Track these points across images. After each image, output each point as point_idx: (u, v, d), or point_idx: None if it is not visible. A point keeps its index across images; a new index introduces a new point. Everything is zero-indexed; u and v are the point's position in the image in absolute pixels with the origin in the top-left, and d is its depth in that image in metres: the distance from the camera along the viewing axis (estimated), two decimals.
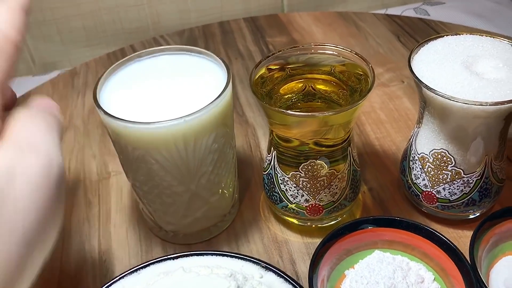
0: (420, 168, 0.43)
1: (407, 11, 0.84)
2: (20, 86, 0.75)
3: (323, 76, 0.42)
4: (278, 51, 0.43)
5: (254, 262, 0.33)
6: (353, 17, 0.79)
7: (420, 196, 0.44)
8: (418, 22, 0.76)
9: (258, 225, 0.47)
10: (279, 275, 0.32)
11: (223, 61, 0.42)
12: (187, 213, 0.44)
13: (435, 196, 0.43)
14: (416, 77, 0.39)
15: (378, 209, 0.48)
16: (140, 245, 0.47)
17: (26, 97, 0.69)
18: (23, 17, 0.26)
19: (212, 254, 0.34)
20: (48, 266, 0.46)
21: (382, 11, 0.85)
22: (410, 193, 0.46)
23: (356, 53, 0.41)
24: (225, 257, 0.34)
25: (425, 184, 0.43)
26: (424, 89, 0.38)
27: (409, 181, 0.45)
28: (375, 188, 0.50)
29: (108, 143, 0.59)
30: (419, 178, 0.44)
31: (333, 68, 0.42)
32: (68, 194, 0.53)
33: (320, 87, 0.42)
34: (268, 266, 0.33)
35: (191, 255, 0.34)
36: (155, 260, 0.37)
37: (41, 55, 0.79)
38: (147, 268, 0.36)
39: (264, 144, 0.57)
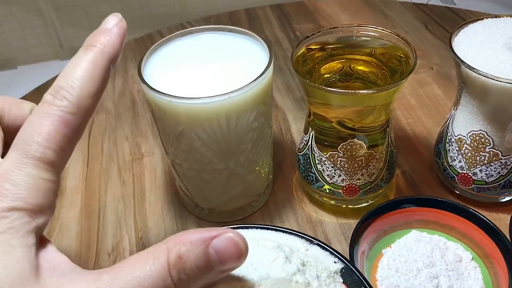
0: (456, 150, 0.44)
1: (433, 0, 0.84)
2: (47, 70, 0.76)
3: (363, 57, 0.43)
4: (318, 31, 0.43)
5: (299, 236, 0.34)
6: (380, 5, 0.79)
7: (456, 178, 0.45)
8: (445, 11, 0.76)
9: (292, 206, 0.48)
10: (324, 248, 0.33)
11: (265, 41, 0.42)
12: (225, 190, 0.44)
13: (471, 178, 0.43)
14: (458, 57, 0.39)
15: (411, 192, 0.48)
16: (176, 222, 0.48)
17: (51, 82, 0.70)
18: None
19: (257, 228, 0.34)
20: (86, 242, 0.47)
21: (408, 0, 0.85)
22: (445, 175, 0.46)
23: (397, 35, 0.41)
24: (270, 231, 0.34)
25: (462, 166, 0.44)
26: (465, 69, 0.39)
27: (445, 163, 0.45)
28: (407, 171, 0.50)
29: (140, 125, 0.60)
30: (455, 160, 0.44)
31: (373, 50, 0.42)
32: (102, 172, 0.54)
33: (359, 67, 0.42)
34: (313, 240, 0.33)
35: (236, 228, 0.34)
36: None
37: (69, 40, 0.80)
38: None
39: (294, 127, 0.57)
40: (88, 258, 0.45)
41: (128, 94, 0.65)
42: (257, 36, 0.43)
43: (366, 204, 0.46)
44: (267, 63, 0.40)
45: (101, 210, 0.50)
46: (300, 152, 0.46)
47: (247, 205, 0.47)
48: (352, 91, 0.37)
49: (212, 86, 0.39)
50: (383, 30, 0.42)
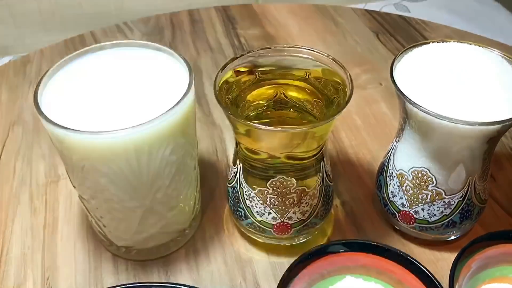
0: (398, 186, 0.40)
1: (387, 6, 0.81)
2: None
3: (296, 82, 0.38)
4: (247, 52, 0.38)
5: None
6: (331, 12, 0.75)
7: (397, 215, 0.41)
8: (398, 20, 0.72)
9: (220, 241, 0.43)
10: None
11: (185, 60, 0.37)
12: (141, 229, 0.39)
13: (413, 216, 0.40)
14: (399, 90, 0.35)
15: (350, 226, 0.44)
16: (89, 261, 0.42)
17: None
18: None
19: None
20: None
21: (361, 6, 0.81)
22: (386, 210, 0.42)
23: (333, 59, 0.37)
24: None
25: (403, 203, 0.40)
26: (407, 103, 0.35)
27: (386, 198, 0.42)
28: (348, 201, 0.46)
29: None
30: (396, 196, 0.40)
31: (308, 74, 0.38)
32: (11, 198, 0.48)
33: (293, 94, 0.38)
34: None
35: (144, 287, 0.29)
36: None
37: None
38: None
39: (231, 149, 0.52)
40: None
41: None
42: (177, 54, 0.38)
43: (302, 241, 0.42)
44: (186, 86, 0.35)
45: (5, 244, 0.44)
46: (230, 184, 0.41)
47: (170, 241, 0.42)
48: (278, 129, 0.33)
49: (121, 114, 0.34)
50: (318, 52, 0.38)
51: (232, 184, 0.41)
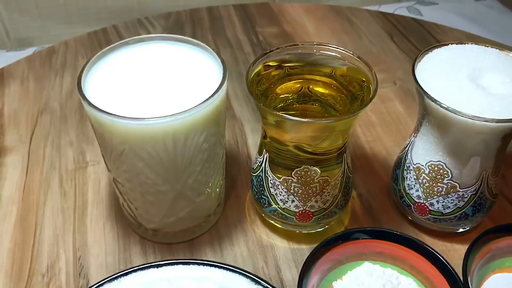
0: (414, 179, 0.42)
1: (400, 9, 0.83)
2: None
3: (323, 78, 0.40)
4: (277, 48, 0.40)
5: (243, 274, 0.31)
6: (346, 12, 0.77)
7: (412, 206, 0.43)
8: (411, 22, 0.74)
9: (243, 227, 0.46)
10: None
11: (219, 56, 0.40)
12: (171, 212, 0.41)
13: (428, 208, 0.42)
14: (421, 87, 0.37)
15: (366, 217, 0.46)
16: (118, 242, 0.45)
17: None
18: None
19: (198, 264, 0.32)
20: (18, 261, 0.43)
21: (375, 7, 0.83)
22: (401, 202, 0.44)
23: (359, 57, 0.39)
24: (213, 267, 0.32)
25: (419, 195, 0.42)
26: (427, 100, 0.37)
27: (402, 190, 0.44)
28: (364, 194, 0.49)
29: (87, 130, 0.56)
30: (412, 188, 0.43)
31: (334, 71, 0.40)
32: (42, 182, 0.50)
33: (318, 89, 0.40)
34: (257, 279, 0.31)
35: (176, 263, 0.31)
36: (137, 268, 0.34)
37: (17, 29, 0.74)
38: (129, 276, 0.34)
39: (251, 140, 0.55)
40: (19, 280, 0.42)
41: (76, 95, 0.61)
42: (211, 49, 0.40)
43: (319, 229, 0.44)
44: (220, 80, 0.37)
45: (37, 224, 0.46)
46: (254, 173, 0.43)
47: (196, 226, 0.44)
48: (307, 120, 0.35)
49: (159, 103, 0.36)
50: (344, 51, 0.40)
51: (257, 173, 0.43)
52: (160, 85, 0.38)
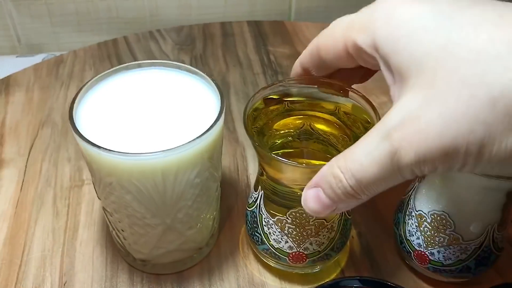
0: (416, 226, 0.40)
1: None
2: (1, 66, 0.71)
3: (325, 116, 0.39)
4: (279, 82, 0.39)
5: None
6: None
7: (412, 254, 0.41)
8: None
9: (235, 261, 0.44)
10: None
11: (217, 86, 0.38)
12: (160, 244, 0.40)
13: (428, 257, 0.40)
14: None
15: (365, 259, 0.44)
16: (106, 268, 0.43)
17: (6, 81, 0.65)
18: None
19: None
20: (2, 282, 0.42)
21: None
22: (401, 248, 0.42)
23: (363, 96, 0.37)
24: None
25: (419, 243, 0.40)
26: None
27: (402, 235, 0.42)
28: (364, 233, 0.47)
29: None
30: (413, 235, 0.41)
31: (338, 108, 0.38)
32: (36, 198, 0.49)
33: (320, 127, 0.39)
34: None
35: None
36: None
37: (28, 35, 0.74)
38: None
39: (252, 167, 0.53)
40: None
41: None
42: (210, 79, 0.39)
43: (316, 270, 0.43)
44: (217, 113, 0.36)
45: (26, 244, 0.45)
46: (249, 208, 0.42)
47: (187, 257, 0.43)
48: (303, 165, 0.33)
49: (152, 135, 0.35)
50: (350, 89, 0.38)
51: (251, 209, 0.41)
52: (155, 115, 0.37)
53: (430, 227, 0.39)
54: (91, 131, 0.35)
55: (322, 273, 0.43)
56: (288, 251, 0.40)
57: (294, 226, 0.38)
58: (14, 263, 0.44)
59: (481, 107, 0.22)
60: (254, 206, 0.41)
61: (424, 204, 0.39)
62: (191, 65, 0.40)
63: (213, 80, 0.38)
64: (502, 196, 0.35)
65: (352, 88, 0.38)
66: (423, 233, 0.40)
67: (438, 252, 0.39)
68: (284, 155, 0.37)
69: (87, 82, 0.38)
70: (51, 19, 0.72)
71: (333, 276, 0.43)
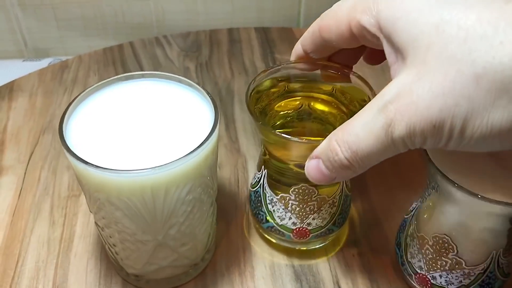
0: (417, 248, 0.38)
1: None
2: (7, 70, 0.70)
3: (323, 96, 0.39)
4: (279, 65, 0.39)
5: None
6: None
7: (413, 276, 0.40)
8: None
9: (230, 279, 0.43)
10: None
11: (212, 98, 0.37)
12: (152, 261, 0.39)
13: (430, 281, 0.38)
14: (437, 169, 0.33)
15: (365, 278, 0.43)
16: (99, 282, 0.42)
17: (10, 86, 0.64)
18: None
19: None
20: None
21: None
22: (403, 269, 0.41)
23: (359, 76, 0.38)
24: None
25: (421, 266, 0.39)
26: (441, 179, 0.33)
27: (404, 257, 0.40)
28: (365, 253, 0.45)
29: None
30: (414, 257, 0.39)
31: (334, 89, 0.39)
32: (33, 207, 0.49)
33: (318, 106, 0.39)
34: None
35: None
36: None
37: (34, 39, 0.74)
38: None
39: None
40: None
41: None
42: (204, 91, 0.38)
43: (318, 246, 0.44)
44: (211, 127, 0.35)
45: (21, 255, 0.45)
46: (253, 188, 0.43)
47: (181, 273, 0.42)
48: (304, 140, 0.33)
49: (143, 150, 0.34)
50: (346, 70, 0.39)
51: (255, 189, 0.42)
52: (147, 129, 0.36)
53: (432, 250, 0.37)
54: (82, 144, 0.34)
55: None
56: (292, 227, 0.40)
57: (297, 203, 0.39)
58: (7, 274, 0.43)
59: (466, 83, 0.23)
60: (258, 185, 0.41)
61: (426, 226, 0.37)
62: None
63: (207, 93, 0.37)
64: (506, 221, 0.33)
65: (347, 69, 0.39)
66: (424, 255, 0.38)
67: (440, 276, 0.38)
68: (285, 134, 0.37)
69: (78, 95, 0.37)
70: (57, 23, 0.72)
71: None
